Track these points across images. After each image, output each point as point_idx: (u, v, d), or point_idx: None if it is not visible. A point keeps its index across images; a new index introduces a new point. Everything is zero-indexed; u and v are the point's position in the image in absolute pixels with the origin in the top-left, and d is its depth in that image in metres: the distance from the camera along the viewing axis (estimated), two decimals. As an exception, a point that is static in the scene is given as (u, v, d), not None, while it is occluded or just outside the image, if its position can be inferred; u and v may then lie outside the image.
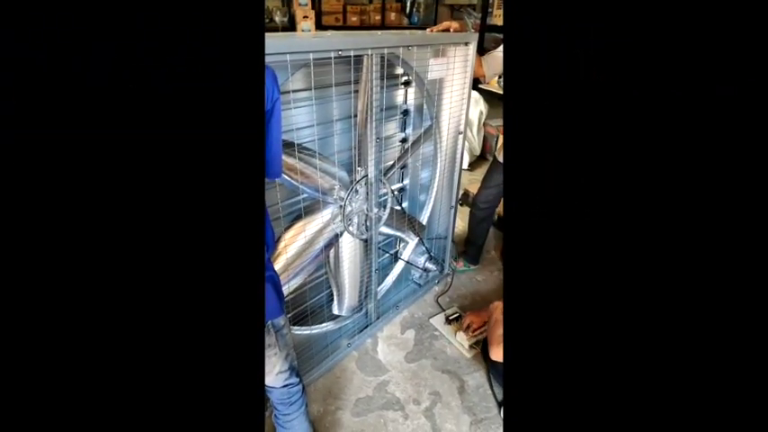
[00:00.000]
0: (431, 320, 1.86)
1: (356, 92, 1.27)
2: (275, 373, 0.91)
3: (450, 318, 1.84)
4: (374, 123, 1.33)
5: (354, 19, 4.36)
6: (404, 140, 1.81)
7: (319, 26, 4.11)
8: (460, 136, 1.81)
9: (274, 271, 0.85)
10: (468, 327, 1.72)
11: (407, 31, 1.75)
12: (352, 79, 1.20)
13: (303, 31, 3.81)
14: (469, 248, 2.19)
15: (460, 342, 1.73)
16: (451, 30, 1.56)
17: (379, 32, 1.46)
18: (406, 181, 1.93)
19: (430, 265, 1.98)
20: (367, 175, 1.45)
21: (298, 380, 1.01)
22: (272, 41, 0.98)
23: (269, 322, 0.84)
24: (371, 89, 1.26)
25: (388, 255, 1.94)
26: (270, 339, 0.85)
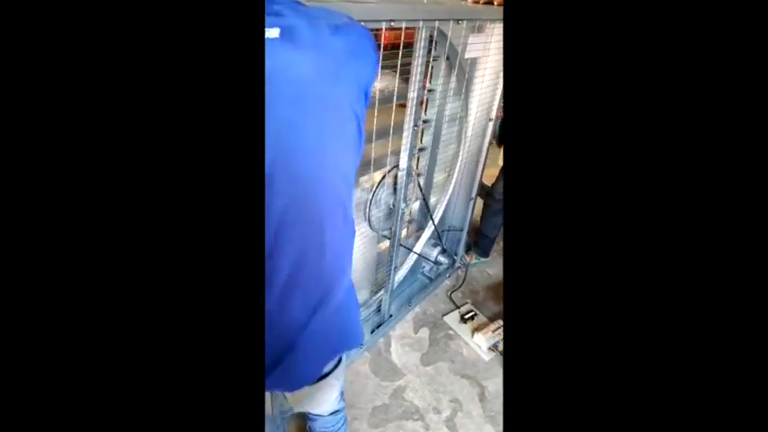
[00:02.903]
0: (444, 318, 1.75)
1: (393, 68, 1.09)
2: (331, 401, 0.80)
3: (466, 316, 1.74)
4: (415, 108, 1.17)
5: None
6: (425, 122, 1.65)
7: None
8: (490, 123, 1.66)
9: (354, 295, 0.71)
10: None
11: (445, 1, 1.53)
12: (401, 55, 1.02)
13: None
14: (481, 240, 2.08)
15: (478, 344, 1.63)
16: (495, 3, 1.39)
17: (425, 0, 1.26)
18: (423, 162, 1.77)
19: (442, 258, 1.86)
20: (398, 165, 1.29)
21: (343, 404, 0.90)
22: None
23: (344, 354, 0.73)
24: (417, 67, 1.08)
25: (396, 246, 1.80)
26: (339, 370, 0.74)
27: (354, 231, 0.65)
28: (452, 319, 1.75)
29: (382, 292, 1.60)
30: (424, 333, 1.69)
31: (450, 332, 1.70)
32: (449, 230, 1.93)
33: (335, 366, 0.73)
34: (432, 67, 1.52)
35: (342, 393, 0.87)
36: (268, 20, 0.48)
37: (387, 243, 1.56)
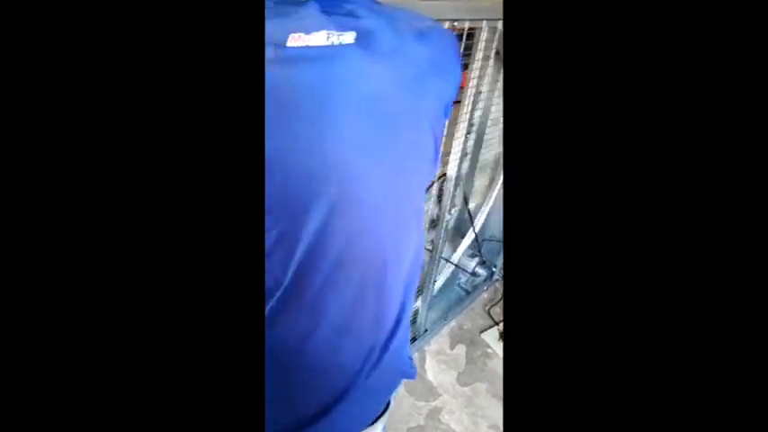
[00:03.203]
0: (482, 335, 1.66)
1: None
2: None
3: (505, 334, 1.64)
4: (469, 113, 1.08)
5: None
6: (471, 125, 1.55)
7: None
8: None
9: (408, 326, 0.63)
10: None
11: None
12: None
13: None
14: (521, 252, 1.97)
15: (518, 364, 1.53)
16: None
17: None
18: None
19: (480, 270, 1.76)
20: (446, 174, 1.20)
21: None
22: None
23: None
24: (476, 71, 0.99)
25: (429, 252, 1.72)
26: (386, 414, 0.67)
27: (420, 270, 0.57)
28: (491, 336, 1.66)
29: (419, 302, 1.52)
30: (461, 350, 1.60)
31: (489, 350, 1.61)
32: (488, 240, 1.83)
33: (383, 410, 0.65)
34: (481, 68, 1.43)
35: (384, 428, 0.80)
36: (341, 21, 0.40)
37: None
